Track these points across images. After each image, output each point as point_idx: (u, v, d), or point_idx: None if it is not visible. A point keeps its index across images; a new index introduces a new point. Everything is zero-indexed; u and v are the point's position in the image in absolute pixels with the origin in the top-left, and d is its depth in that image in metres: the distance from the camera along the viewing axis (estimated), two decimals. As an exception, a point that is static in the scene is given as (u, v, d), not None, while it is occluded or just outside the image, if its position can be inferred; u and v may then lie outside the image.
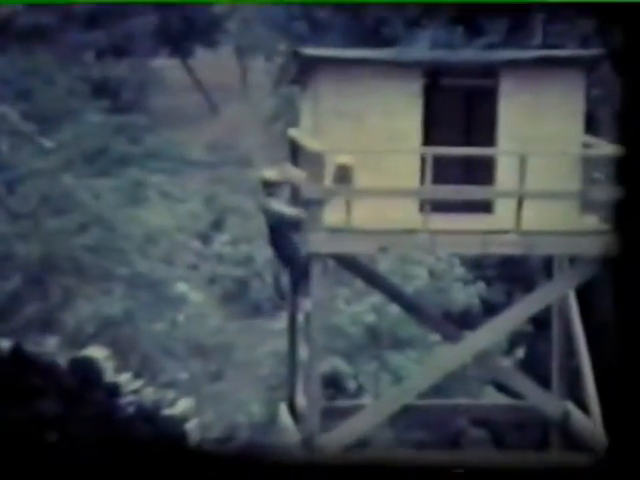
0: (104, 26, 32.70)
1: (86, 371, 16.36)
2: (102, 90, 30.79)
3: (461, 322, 18.55)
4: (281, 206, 14.36)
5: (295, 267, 14.65)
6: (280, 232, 14.43)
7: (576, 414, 15.43)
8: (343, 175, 14.00)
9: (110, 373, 17.07)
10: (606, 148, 14.63)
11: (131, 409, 16.39)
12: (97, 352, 17.36)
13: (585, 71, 14.60)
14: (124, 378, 17.63)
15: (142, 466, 14.31)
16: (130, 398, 16.78)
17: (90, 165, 26.88)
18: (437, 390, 16.34)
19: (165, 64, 34.68)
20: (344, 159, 13.99)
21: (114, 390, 16.59)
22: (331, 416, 14.72)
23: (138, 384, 17.83)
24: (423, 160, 14.20)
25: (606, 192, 14.01)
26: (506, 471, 14.01)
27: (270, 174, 14.56)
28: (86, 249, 23.08)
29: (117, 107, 30.54)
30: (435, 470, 13.24)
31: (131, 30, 33.21)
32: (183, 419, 17.18)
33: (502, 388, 18.03)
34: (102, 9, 32.56)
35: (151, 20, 33.70)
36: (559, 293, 15.13)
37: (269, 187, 14.46)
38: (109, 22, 32.81)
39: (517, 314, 14.76)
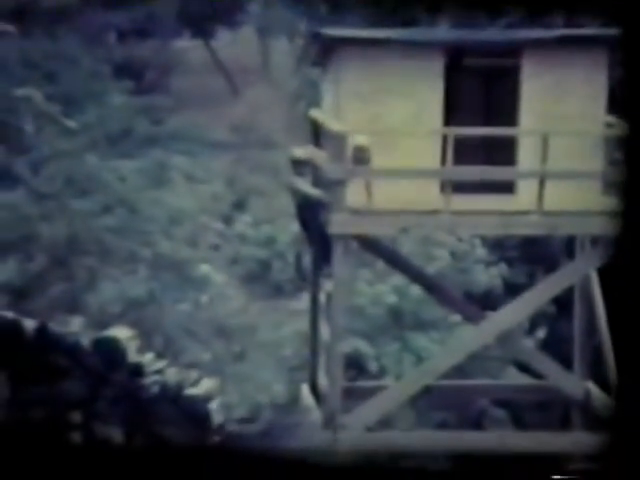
0: (126, 7, 32.74)
1: (110, 351, 16.45)
2: (125, 72, 30.84)
3: (483, 303, 18.53)
4: (306, 186, 14.41)
5: (322, 246, 14.70)
6: (307, 211, 14.49)
7: (597, 394, 15.42)
8: (360, 156, 14.01)
9: (133, 353, 17.15)
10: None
11: (155, 389, 16.48)
12: (121, 332, 17.45)
13: (608, 50, 14.51)
14: (147, 358, 17.72)
15: (166, 445, 14.41)
16: (154, 378, 16.86)
17: (114, 146, 26.95)
18: (459, 371, 16.36)
19: (187, 45, 34.68)
20: (361, 140, 13.99)
21: (138, 370, 16.68)
22: (353, 397, 14.76)
23: (161, 364, 17.91)
24: (445, 140, 14.17)
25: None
26: (528, 452, 14.02)
27: (300, 153, 14.61)
28: (110, 230, 23.17)
29: (140, 88, 30.59)
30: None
31: (153, 11, 33.22)
32: (206, 399, 17.27)
33: (524, 368, 18.03)
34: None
35: (173, 1, 33.69)
36: (581, 273, 15.08)
37: (298, 166, 14.52)
38: (131, 3, 32.84)
39: (539, 295, 14.74)
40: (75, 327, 19.74)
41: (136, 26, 32.88)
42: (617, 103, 14.73)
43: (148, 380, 16.70)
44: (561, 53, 14.45)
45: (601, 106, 14.53)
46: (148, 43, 32.62)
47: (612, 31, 15.09)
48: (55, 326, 17.17)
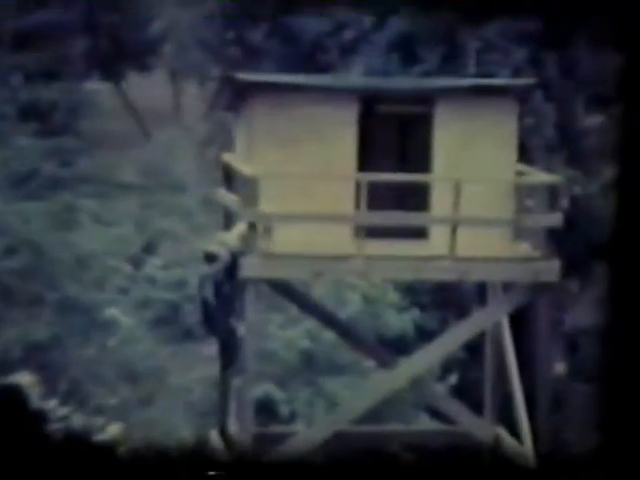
0: (33, 48, 32.35)
1: (11, 398, 16.03)
2: (31, 113, 30.44)
3: (395, 348, 18.58)
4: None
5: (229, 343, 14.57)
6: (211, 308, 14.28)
7: (507, 439, 15.52)
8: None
9: (36, 400, 16.74)
10: (538, 176, 14.79)
11: (59, 435, 16.08)
12: (23, 378, 17.03)
13: (518, 100, 14.78)
14: (52, 404, 17.32)
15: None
16: (58, 425, 16.47)
17: (18, 189, 26.53)
18: (371, 416, 16.33)
19: (97, 87, 34.40)
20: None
21: (41, 417, 16.28)
22: (263, 443, 14.61)
23: (66, 410, 17.52)
24: (358, 186, 14.23)
25: (538, 220, 14.16)
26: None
27: (212, 248, 14.43)
28: (13, 273, 22.72)
29: (47, 130, 30.20)
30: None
31: (62, 52, 32.89)
32: (113, 445, 16.92)
33: (436, 414, 18.08)
34: (32, 31, 32.23)
35: (83, 43, 33.42)
36: (493, 319, 15.22)
37: (211, 260, 14.33)
38: (39, 44, 32.48)
39: (451, 340, 14.82)
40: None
41: (43, 67, 32.51)
42: (526, 152, 14.99)
43: (52, 426, 16.30)
44: (473, 102, 14.67)
45: (512, 154, 14.76)
46: (56, 84, 32.26)
47: (522, 81, 15.40)
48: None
